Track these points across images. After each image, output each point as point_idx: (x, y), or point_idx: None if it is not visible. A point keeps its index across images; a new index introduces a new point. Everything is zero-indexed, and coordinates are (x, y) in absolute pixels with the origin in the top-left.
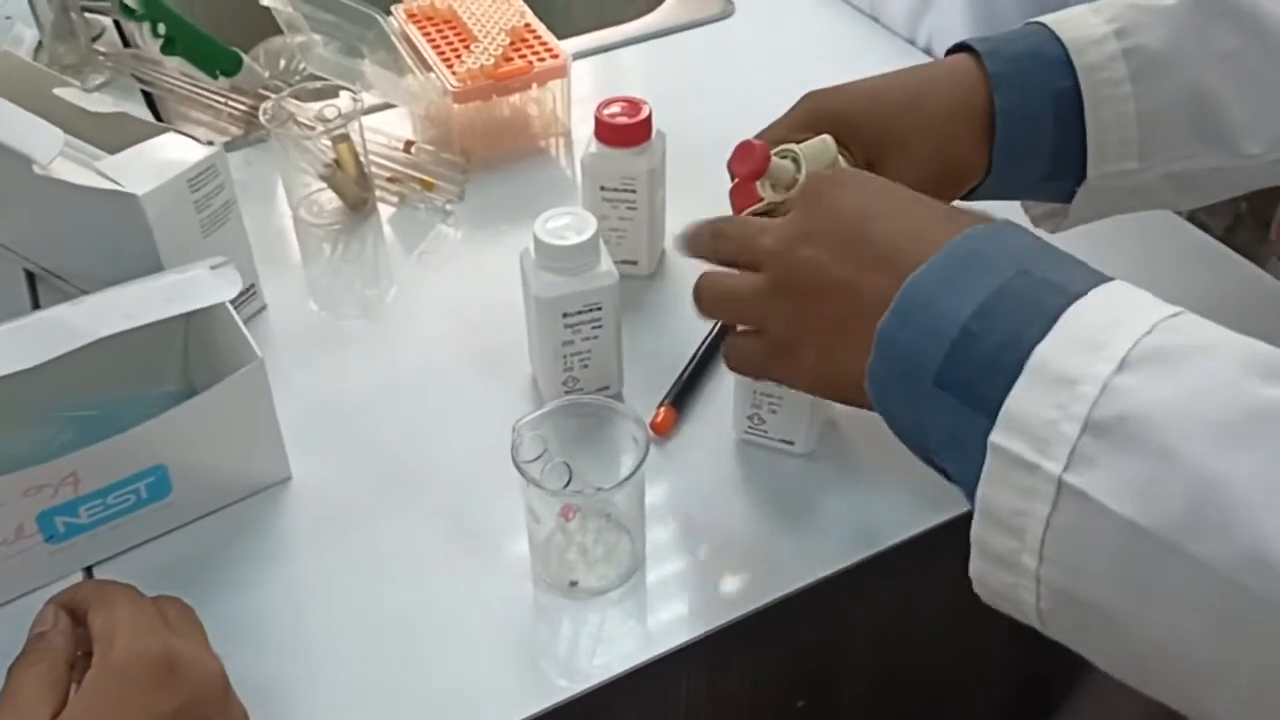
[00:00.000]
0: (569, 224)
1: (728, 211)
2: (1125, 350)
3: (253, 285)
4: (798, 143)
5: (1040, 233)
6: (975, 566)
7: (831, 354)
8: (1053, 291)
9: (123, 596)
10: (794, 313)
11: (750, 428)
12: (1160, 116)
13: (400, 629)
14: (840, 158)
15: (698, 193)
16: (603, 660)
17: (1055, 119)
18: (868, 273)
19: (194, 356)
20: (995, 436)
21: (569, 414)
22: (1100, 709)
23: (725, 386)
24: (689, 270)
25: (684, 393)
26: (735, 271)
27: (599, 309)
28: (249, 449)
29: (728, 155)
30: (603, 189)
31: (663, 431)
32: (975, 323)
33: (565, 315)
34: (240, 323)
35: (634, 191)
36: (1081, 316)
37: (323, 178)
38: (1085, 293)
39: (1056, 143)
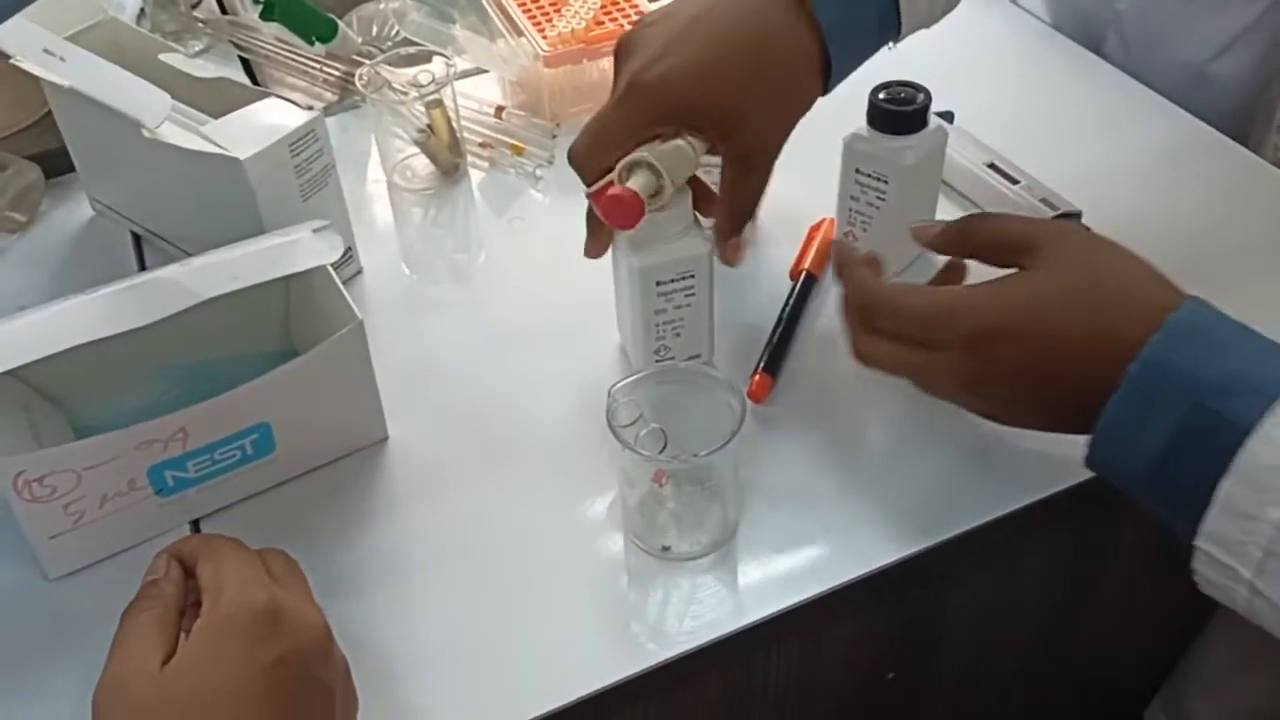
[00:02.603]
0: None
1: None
2: None
3: (350, 249)
4: (647, 141)
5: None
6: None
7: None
8: (1225, 428)
9: (229, 550)
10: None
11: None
12: None
13: (493, 588)
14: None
15: (798, 158)
16: (692, 626)
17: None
18: (1047, 420)
19: (295, 317)
20: (1199, 541)
21: (664, 379)
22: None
23: (816, 350)
24: (776, 237)
25: (774, 357)
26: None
27: (691, 277)
28: (348, 409)
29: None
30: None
31: (759, 398)
32: (1168, 453)
33: (659, 284)
34: (341, 285)
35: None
36: (1253, 460)
37: (416, 143)
38: (1255, 426)
39: (881, 28)
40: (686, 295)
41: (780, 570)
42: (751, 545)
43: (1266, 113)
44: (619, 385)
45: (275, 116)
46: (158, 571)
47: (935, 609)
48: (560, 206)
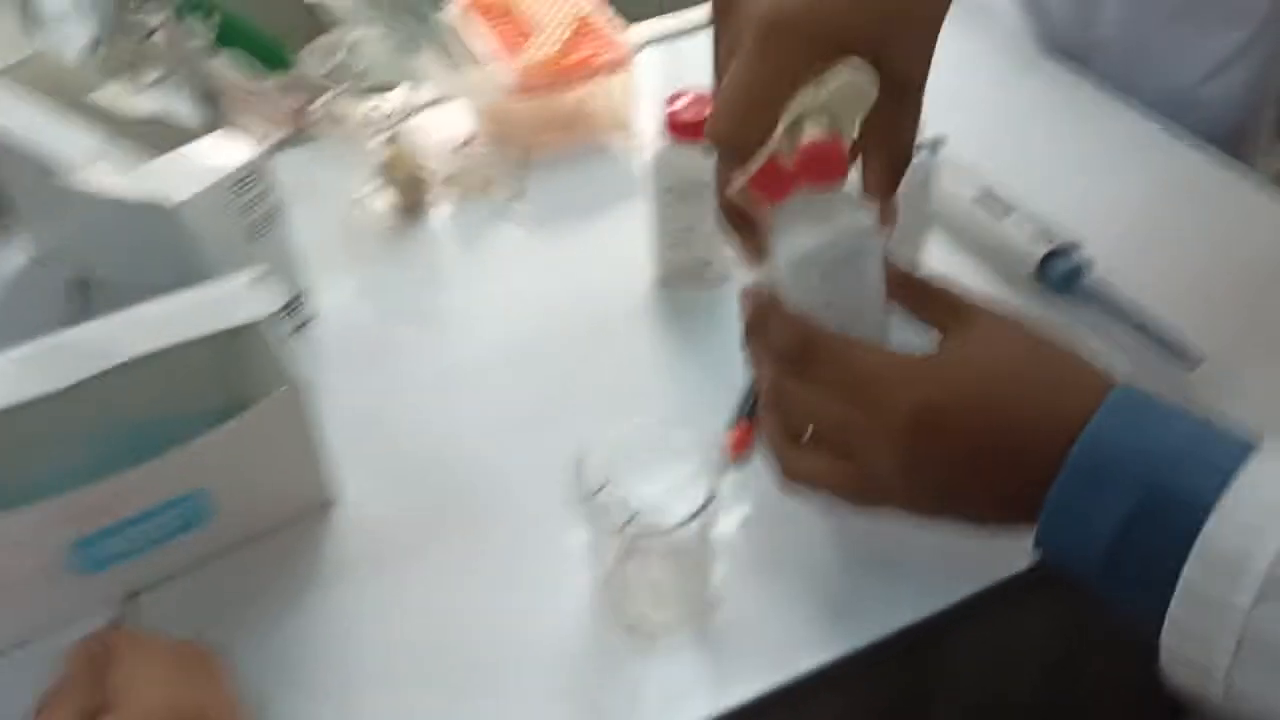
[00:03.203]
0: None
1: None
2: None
3: (300, 294)
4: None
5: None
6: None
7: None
8: (1179, 508)
9: (143, 649)
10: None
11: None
12: None
13: (450, 667)
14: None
15: None
16: (669, 712)
17: None
18: (990, 508)
19: (235, 373)
20: (1165, 636)
21: (635, 439)
22: None
23: None
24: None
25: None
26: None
27: (861, 256)
28: (290, 473)
29: None
30: (669, 190)
31: (742, 450)
32: (1121, 541)
33: (823, 275)
34: (279, 341)
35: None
36: (1215, 540)
37: (375, 179)
38: (1214, 503)
39: None
40: (855, 284)
41: (765, 644)
42: (733, 617)
43: (1259, 137)
44: (586, 448)
45: (217, 155)
46: (68, 670)
47: (928, 676)
48: (533, 242)
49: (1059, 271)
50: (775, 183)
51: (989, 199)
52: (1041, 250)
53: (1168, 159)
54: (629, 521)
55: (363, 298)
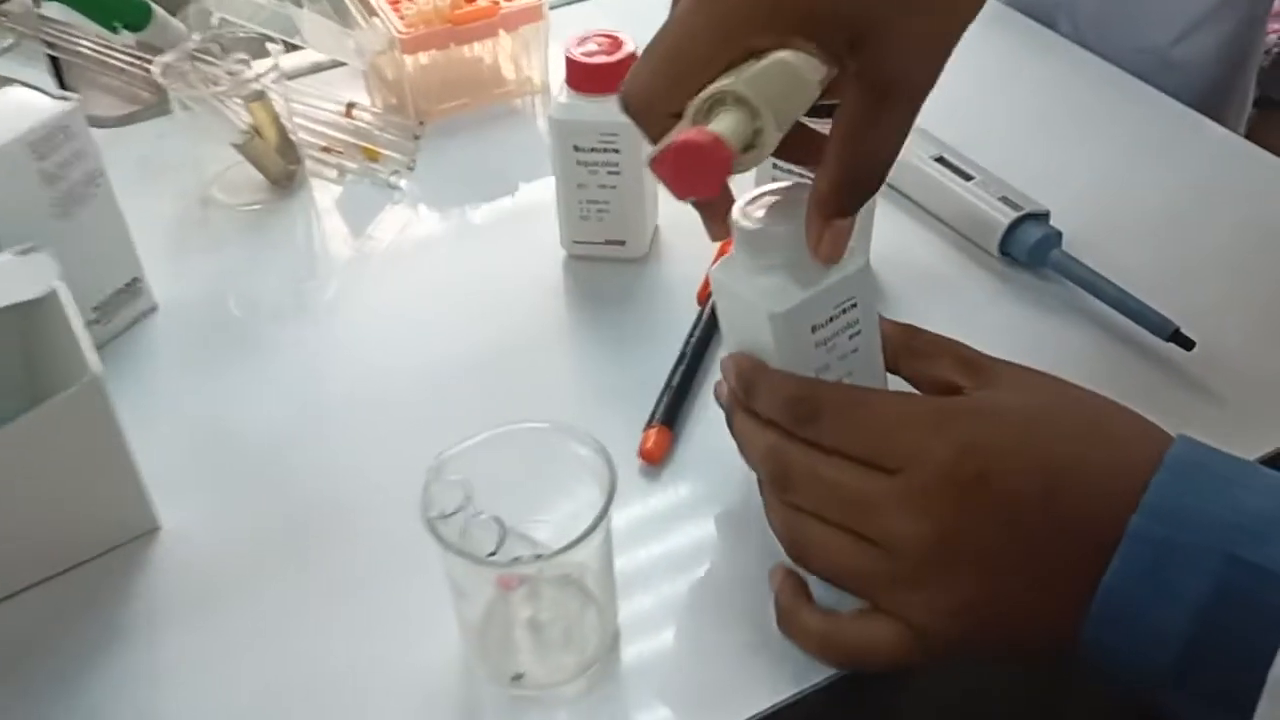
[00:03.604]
0: (788, 200)
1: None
2: None
3: (136, 279)
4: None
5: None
6: None
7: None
8: (1273, 585)
9: None
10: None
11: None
12: None
13: None
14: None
15: None
16: None
17: None
18: (1035, 592)
19: (37, 372)
20: None
21: (503, 445)
22: None
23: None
24: (689, 253)
25: (674, 406)
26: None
27: (854, 305)
28: (100, 491)
29: None
30: (576, 148)
31: (655, 459)
32: (1200, 632)
33: (814, 330)
34: (76, 325)
35: (616, 151)
36: None
37: (237, 147)
38: None
39: None
40: (851, 336)
41: (680, 697)
42: (640, 664)
43: (1232, 103)
44: (439, 459)
45: (12, 112)
46: None
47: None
48: (425, 221)
49: (1026, 243)
50: (694, 174)
51: (946, 162)
52: (1006, 219)
53: (1146, 115)
54: (497, 548)
55: (218, 287)
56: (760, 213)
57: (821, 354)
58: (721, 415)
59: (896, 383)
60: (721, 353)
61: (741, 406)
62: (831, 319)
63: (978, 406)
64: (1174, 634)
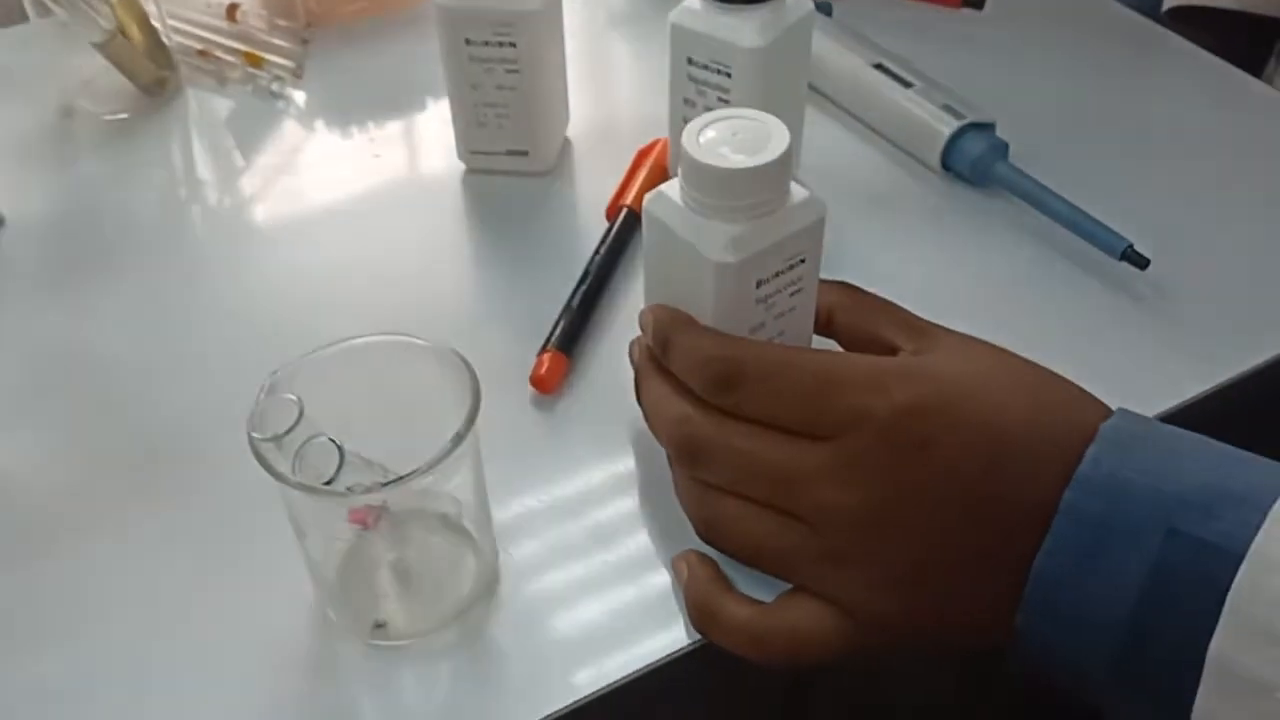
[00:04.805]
0: (741, 131)
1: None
2: None
3: None
4: None
5: None
6: None
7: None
8: (1215, 559)
9: None
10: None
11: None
12: None
13: (114, 698)
14: None
15: (633, 57)
16: None
17: None
18: (971, 574)
19: None
20: None
21: (350, 360)
22: None
23: (632, 320)
24: (603, 168)
25: (572, 329)
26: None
27: (802, 262)
28: None
29: None
30: (468, 41)
31: (548, 387)
32: (1139, 613)
33: (759, 285)
34: None
35: (513, 45)
36: (1255, 596)
37: (98, 47)
38: (1245, 551)
39: None
40: (793, 294)
41: (566, 647)
42: (519, 613)
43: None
44: (272, 375)
45: None
46: None
47: (798, 677)
48: (313, 133)
49: (970, 155)
50: None
51: (885, 69)
52: (949, 129)
53: (1104, 27)
54: (335, 475)
55: (75, 204)
56: (720, 145)
57: (760, 311)
58: (624, 345)
59: (824, 344)
60: (644, 300)
61: (655, 367)
62: (778, 274)
63: (921, 368)
64: (1111, 618)
